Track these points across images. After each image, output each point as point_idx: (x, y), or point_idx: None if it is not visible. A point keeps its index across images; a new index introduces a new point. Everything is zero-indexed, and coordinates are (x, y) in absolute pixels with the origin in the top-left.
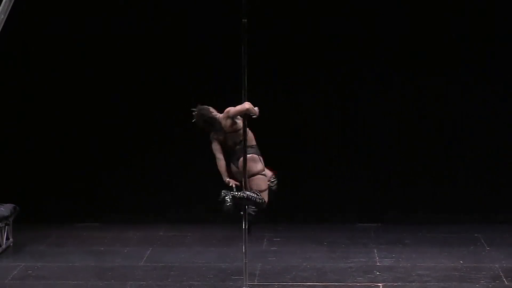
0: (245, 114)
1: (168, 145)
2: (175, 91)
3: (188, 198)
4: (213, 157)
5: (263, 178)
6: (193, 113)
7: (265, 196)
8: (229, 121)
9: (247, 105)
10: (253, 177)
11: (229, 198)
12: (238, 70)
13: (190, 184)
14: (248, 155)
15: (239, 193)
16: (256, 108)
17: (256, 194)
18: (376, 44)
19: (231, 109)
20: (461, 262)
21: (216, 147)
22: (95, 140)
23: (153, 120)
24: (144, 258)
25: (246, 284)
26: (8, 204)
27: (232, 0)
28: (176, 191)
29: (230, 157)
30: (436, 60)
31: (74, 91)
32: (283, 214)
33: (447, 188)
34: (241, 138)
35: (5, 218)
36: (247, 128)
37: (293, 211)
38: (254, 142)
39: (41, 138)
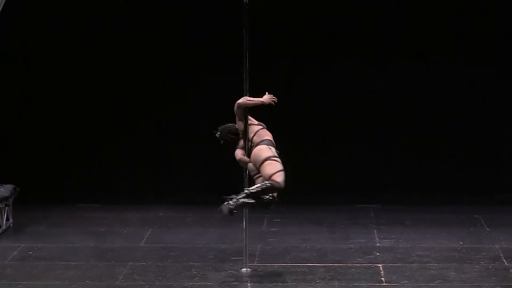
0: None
1: (168, 127)
2: (175, 84)
3: (188, 179)
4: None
5: (272, 163)
6: (217, 134)
7: (277, 177)
8: (240, 123)
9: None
10: (263, 164)
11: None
12: (238, 70)
13: (190, 165)
14: (257, 147)
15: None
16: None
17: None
18: (376, 43)
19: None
20: (461, 243)
21: (241, 152)
22: (96, 121)
23: (153, 103)
24: (144, 239)
25: (246, 264)
26: (8, 185)
27: (232, 0)
28: (176, 172)
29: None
30: (434, 54)
31: (74, 74)
32: (283, 195)
33: (447, 169)
34: (252, 134)
35: (5, 199)
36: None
37: (293, 192)
38: (266, 138)
39: (42, 119)
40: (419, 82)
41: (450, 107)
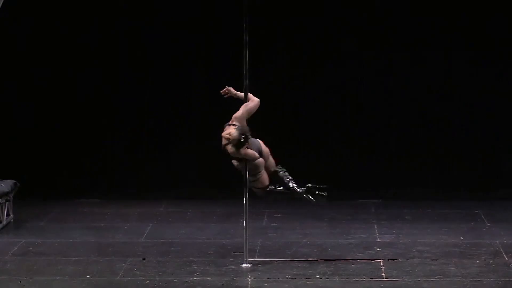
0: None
1: (169, 121)
2: (176, 79)
3: (188, 174)
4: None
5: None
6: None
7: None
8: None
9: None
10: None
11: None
12: (238, 65)
13: (190, 160)
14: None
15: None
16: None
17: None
18: (376, 41)
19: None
20: (461, 238)
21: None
22: (96, 116)
23: (154, 96)
24: (145, 234)
25: (246, 260)
26: (8, 180)
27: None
28: (176, 167)
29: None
30: (434, 51)
31: (75, 69)
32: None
33: (448, 164)
34: None
35: (6, 194)
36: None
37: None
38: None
39: (42, 114)
40: (419, 78)
41: (450, 103)
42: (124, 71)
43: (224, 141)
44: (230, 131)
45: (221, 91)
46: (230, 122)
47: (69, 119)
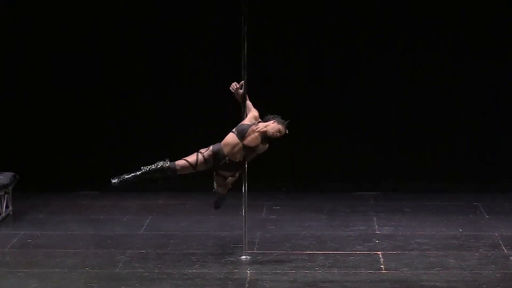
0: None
1: (168, 114)
2: (176, 71)
3: None
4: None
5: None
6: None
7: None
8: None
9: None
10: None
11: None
12: (238, 59)
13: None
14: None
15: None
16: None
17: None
18: (375, 32)
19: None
20: (460, 230)
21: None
22: (94, 107)
23: (151, 90)
24: (144, 227)
25: (245, 252)
26: (7, 173)
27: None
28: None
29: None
30: (430, 41)
31: (74, 61)
32: (282, 182)
33: (447, 156)
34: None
35: (5, 186)
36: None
37: (293, 179)
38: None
39: (41, 105)
40: (418, 69)
41: (449, 94)
42: (124, 61)
43: (275, 136)
44: (277, 126)
45: (236, 84)
46: (259, 121)
47: (69, 112)
